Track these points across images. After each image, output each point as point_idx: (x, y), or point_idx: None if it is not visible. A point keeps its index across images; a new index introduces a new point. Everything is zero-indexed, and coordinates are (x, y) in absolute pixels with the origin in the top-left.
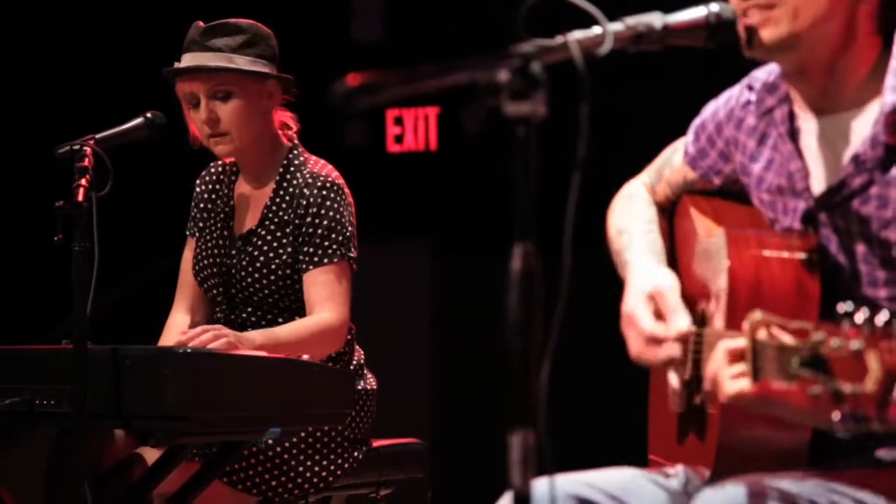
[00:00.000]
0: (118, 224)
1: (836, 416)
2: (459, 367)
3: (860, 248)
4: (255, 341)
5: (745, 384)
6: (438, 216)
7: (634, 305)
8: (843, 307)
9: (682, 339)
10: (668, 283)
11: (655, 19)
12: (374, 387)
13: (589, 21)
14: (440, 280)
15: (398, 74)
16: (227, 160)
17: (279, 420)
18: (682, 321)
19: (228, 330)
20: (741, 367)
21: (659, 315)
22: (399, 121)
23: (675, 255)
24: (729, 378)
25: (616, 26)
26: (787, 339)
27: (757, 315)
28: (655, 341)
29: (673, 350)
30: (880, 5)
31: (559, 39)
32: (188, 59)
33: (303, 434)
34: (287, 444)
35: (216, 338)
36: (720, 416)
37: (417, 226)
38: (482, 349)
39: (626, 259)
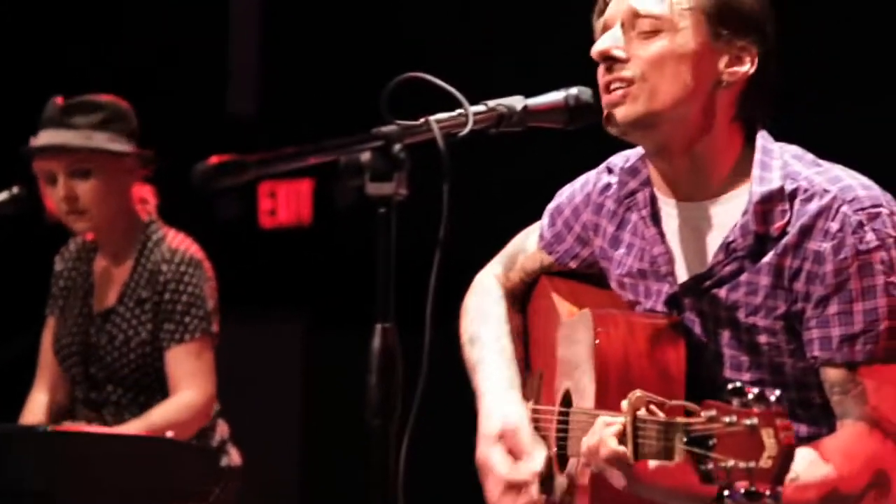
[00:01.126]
0: None
1: (726, 492)
2: (329, 442)
3: (725, 333)
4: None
5: (625, 462)
6: (312, 290)
7: (487, 453)
8: (731, 385)
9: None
10: (518, 418)
11: (516, 102)
12: (239, 463)
13: (453, 103)
14: (312, 354)
15: (262, 155)
16: (87, 236)
17: (141, 498)
18: (537, 461)
19: None
20: (620, 445)
21: (513, 453)
22: (273, 195)
23: (530, 335)
24: (608, 456)
25: (478, 108)
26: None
27: (637, 393)
28: (514, 486)
29: (533, 494)
30: (740, 95)
31: (421, 121)
32: (46, 137)
33: None
34: None
35: None
36: (591, 496)
37: (290, 300)
38: (352, 424)
39: (477, 382)
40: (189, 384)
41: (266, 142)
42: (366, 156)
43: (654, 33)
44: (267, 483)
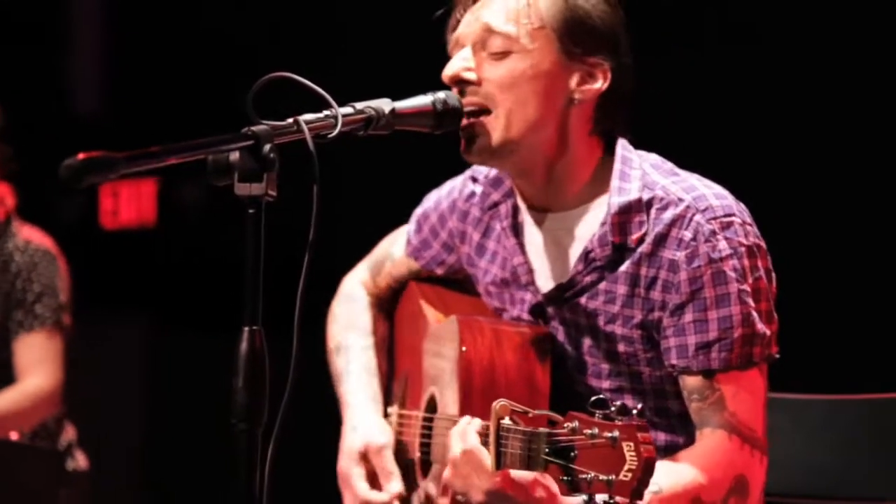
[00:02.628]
0: None
1: (585, 501)
2: (172, 444)
3: (586, 341)
4: None
5: (490, 472)
6: (155, 292)
7: (348, 467)
8: (594, 397)
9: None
10: (381, 440)
11: (384, 104)
12: (85, 467)
13: (320, 105)
14: (155, 356)
15: (131, 152)
16: None
17: None
18: (395, 486)
19: None
20: (484, 453)
21: (372, 475)
22: (115, 195)
23: (397, 340)
24: (471, 463)
25: (346, 110)
26: (531, 427)
27: (502, 401)
28: None
29: None
30: (596, 110)
31: (290, 121)
32: None
33: None
34: None
35: None
36: (451, 501)
37: (133, 301)
38: (195, 427)
39: (342, 392)
40: (36, 372)
41: (111, 141)
42: (234, 155)
43: (504, 54)
44: (109, 487)
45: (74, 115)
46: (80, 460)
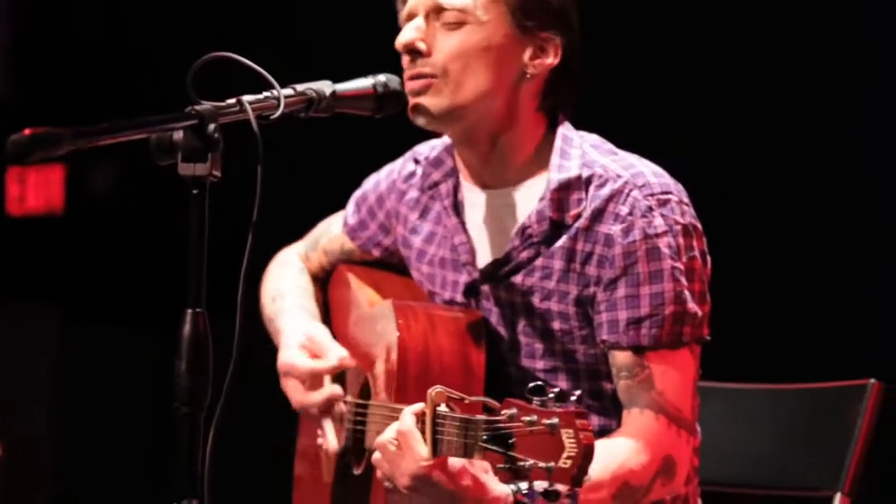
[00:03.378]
0: None
1: (524, 488)
2: (88, 441)
3: (521, 321)
4: None
5: (423, 457)
6: (64, 281)
7: (289, 356)
8: (532, 384)
9: (342, 370)
10: (319, 329)
11: (325, 86)
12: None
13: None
14: (66, 346)
15: (77, 128)
16: None
17: None
18: (336, 351)
19: None
20: (418, 436)
21: (314, 355)
22: (22, 180)
23: (330, 324)
24: (408, 452)
25: (287, 91)
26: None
27: (437, 388)
28: (316, 379)
29: (334, 389)
30: (544, 87)
31: (233, 101)
32: None
33: None
34: None
35: None
36: (386, 489)
37: (41, 291)
38: (107, 418)
39: (278, 326)
40: None
41: (20, 124)
42: (178, 135)
43: (457, 25)
44: (24, 478)
45: None
46: None
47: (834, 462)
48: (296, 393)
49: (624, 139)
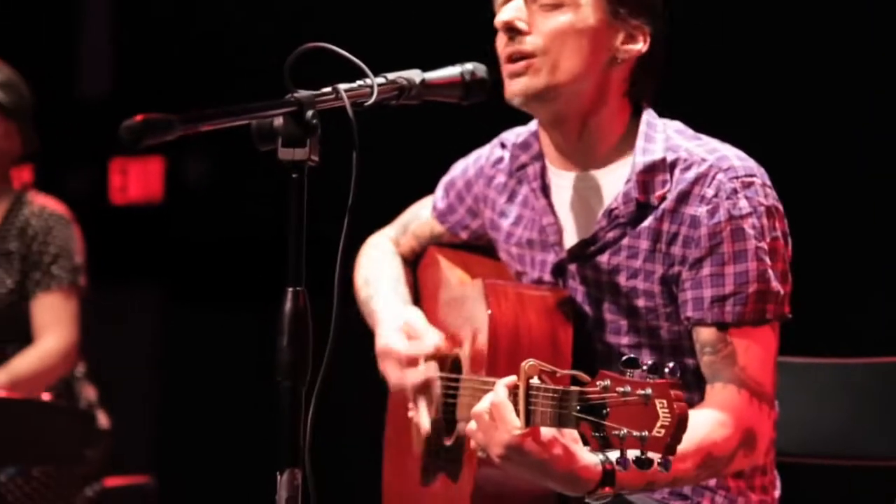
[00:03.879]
0: None
1: (614, 458)
2: (183, 407)
3: (607, 298)
4: None
5: (516, 427)
6: (162, 265)
7: (388, 338)
8: (625, 356)
9: (437, 357)
10: (415, 314)
11: (415, 75)
12: (107, 426)
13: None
14: (164, 325)
15: (184, 115)
16: None
17: (13, 458)
18: (432, 337)
19: None
20: (510, 408)
21: (411, 337)
22: (124, 172)
23: (421, 304)
24: (501, 422)
25: (379, 80)
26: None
27: (530, 361)
28: (412, 362)
29: (430, 370)
30: (631, 73)
31: (329, 89)
32: None
33: (37, 473)
34: (20, 483)
35: None
36: (478, 459)
37: (142, 274)
38: (207, 392)
39: (373, 308)
40: (52, 331)
41: (118, 122)
42: (278, 121)
43: (556, 7)
44: (128, 446)
45: (83, 97)
46: (102, 419)
47: None
48: (393, 374)
49: (705, 125)
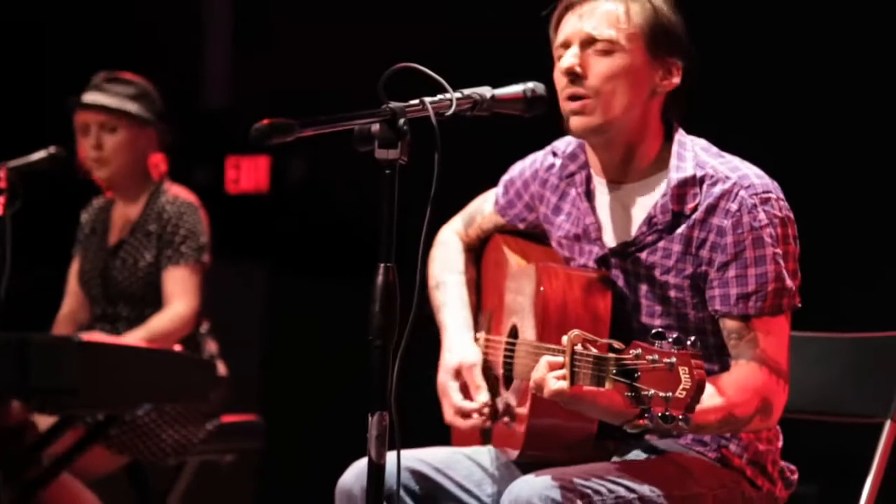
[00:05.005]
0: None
1: (646, 415)
2: (287, 362)
3: (643, 287)
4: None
5: (563, 386)
6: (269, 245)
7: (445, 381)
8: (655, 330)
9: (484, 411)
10: (472, 359)
11: (486, 91)
12: (225, 374)
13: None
14: (270, 293)
15: (302, 120)
16: (107, 194)
17: (154, 397)
18: (482, 397)
19: None
20: (561, 372)
21: (464, 387)
22: (237, 167)
23: (483, 280)
24: (551, 380)
25: (457, 95)
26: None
27: (575, 331)
28: (463, 413)
29: (477, 422)
30: (666, 100)
31: (416, 101)
32: (89, 97)
33: (168, 408)
34: (155, 415)
35: None
36: (531, 409)
37: (251, 252)
38: (306, 348)
39: (441, 319)
40: (180, 298)
41: (240, 132)
42: (375, 127)
43: (607, 53)
44: (242, 391)
45: (206, 109)
46: (221, 369)
47: (884, 395)
48: (448, 412)
49: (724, 142)
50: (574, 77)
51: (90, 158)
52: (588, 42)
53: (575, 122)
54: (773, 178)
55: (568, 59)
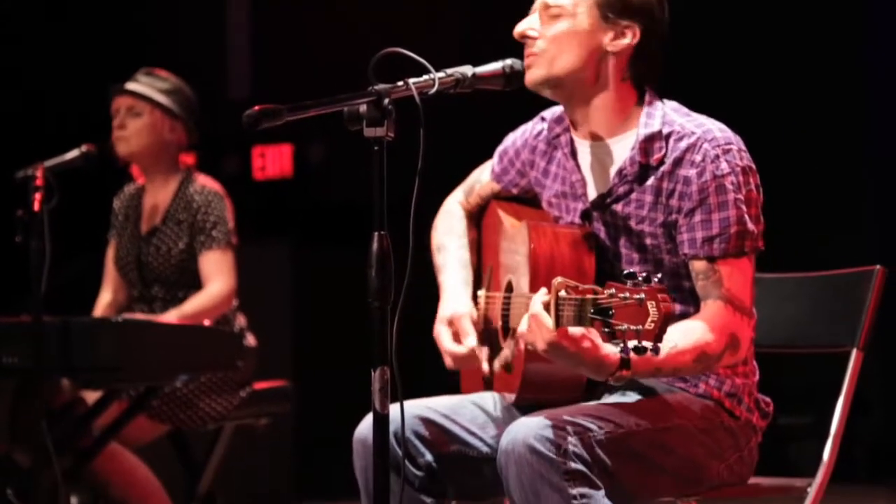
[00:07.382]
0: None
1: (622, 354)
2: (314, 330)
3: (622, 237)
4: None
5: (549, 328)
6: (292, 224)
7: (439, 331)
8: (626, 271)
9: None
10: (462, 310)
11: (467, 70)
12: (254, 344)
13: (420, 71)
14: (294, 269)
15: (290, 105)
16: (140, 181)
17: (187, 368)
18: (470, 341)
19: None
20: (545, 315)
21: (456, 335)
22: (263, 155)
23: (483, 243)
24: (537, 322)
25: (440, 74)
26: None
27: (559, 279)
28: (454, 356)
29: (470, 364)
30: (628, 61)
31: (401, 82)
32: (128, 85)
33: (203, 379)
34: (192, 386)
35: None
36: (525, 356)
37: (277, 231)
38: (327, 317)
39: (441, 280)
40: (215, 279)
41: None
42: (363, 107)
43: (556, 17)
44: (272, 360)
45: (231, 100)
46: (250, 339)
47: (850, 327)
48: (444, 357)
49: (699, 105)
50: (526, 39)
51: (114, 137)
52: (544, 8)
53: (526, 76)
54: (740, 135)
55: (521, 25)
